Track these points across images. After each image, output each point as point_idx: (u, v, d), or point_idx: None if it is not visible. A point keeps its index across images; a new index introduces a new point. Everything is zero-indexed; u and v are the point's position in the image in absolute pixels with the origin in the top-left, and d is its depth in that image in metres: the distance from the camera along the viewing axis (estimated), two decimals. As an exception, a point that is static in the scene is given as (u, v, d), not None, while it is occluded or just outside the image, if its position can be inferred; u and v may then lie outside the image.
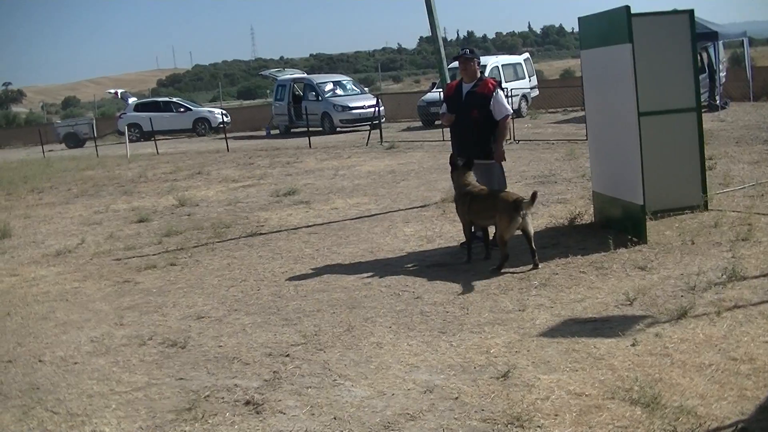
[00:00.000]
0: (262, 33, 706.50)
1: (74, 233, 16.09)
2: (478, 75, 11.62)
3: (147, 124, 43.95)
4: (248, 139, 41.02)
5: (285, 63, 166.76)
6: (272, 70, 55.52)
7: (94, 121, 50.91)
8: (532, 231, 10.30)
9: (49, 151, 43.76)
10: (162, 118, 46.65)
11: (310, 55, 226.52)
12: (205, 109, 51.90)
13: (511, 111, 11.45)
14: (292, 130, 41.89)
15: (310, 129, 34.66)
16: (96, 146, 40.05)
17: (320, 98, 40.85)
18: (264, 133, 43.62)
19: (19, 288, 11.82)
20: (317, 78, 45.33)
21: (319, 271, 11.10)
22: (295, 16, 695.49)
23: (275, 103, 44.06)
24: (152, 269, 12.13)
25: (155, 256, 12.96)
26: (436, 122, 32.60)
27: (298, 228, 14.44)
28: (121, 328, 9.27)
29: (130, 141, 39.52)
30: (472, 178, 10.95)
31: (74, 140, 49.35)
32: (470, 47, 12.16)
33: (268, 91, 78.01)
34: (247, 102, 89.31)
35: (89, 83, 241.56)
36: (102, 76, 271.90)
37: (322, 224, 14.64)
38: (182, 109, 49.44)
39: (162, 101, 52.16)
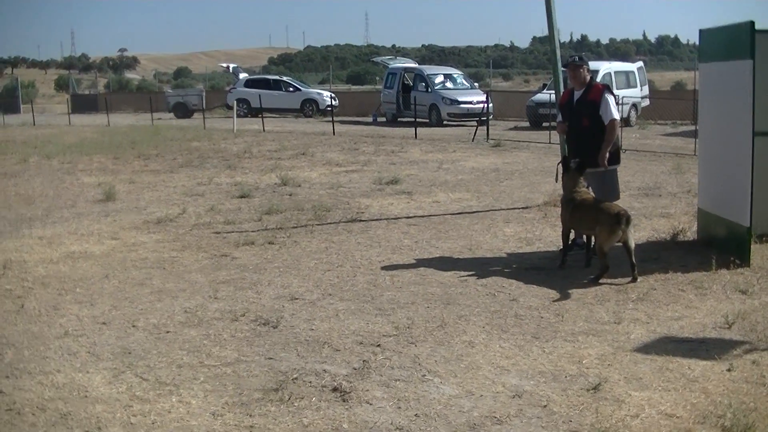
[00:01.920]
0: (376, 20, 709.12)
1: (176, 202, 16.29)
2: (587, 81, 11.49)
3: (255, 101, 44.20)
4: (354, 124, 41.09)
5: (397, 51, 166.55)
6: (384, 57, 55.69)
7: (204, 93, 51.54)
8: (632, 244, 10.13)
9: (158, 119, 44.34)
10: (271, 95, 46.91)
11: (422, 45, 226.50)
12: (314, 91, 52.04)
13: (617, 116, 11.26)
14: (399, 119, 41.80)
15: (417, 120, 34.60)
16: (204, 118, 40.52)
17: (430, 90, 40.65)
18: (371, 119, 43.73)
19: (118, 252, 12.00)
20: (428, 69, 45.10)
21: (416, 264, 11.07)
22: (410, 6, 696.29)
23: (384, 91, 44.03)
24: (250, 246, 12.21)
25: (254, 233, 13.04)
26: (544, 124, 32.36)
27: (399, 218, 14.42)
28: (215, 301, 9.35)
29: (238, 116, 39.88)
30: (582, 184, 10.82)
31: (183, 110, 49.97)
32: (579, 54, 11.99)
33: (377, 78, 78.17)
34: (356, 87, 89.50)
35: (202, 55, 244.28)
36: (215, 49, 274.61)
37: (422, 216, 14.60)
38: (291, 89, 49.64)
39: (272, 79, 52.38)
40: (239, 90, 48.46)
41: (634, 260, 10.06)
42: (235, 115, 38.76)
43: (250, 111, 45.90)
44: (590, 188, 10.93)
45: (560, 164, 11.18)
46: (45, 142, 30.77)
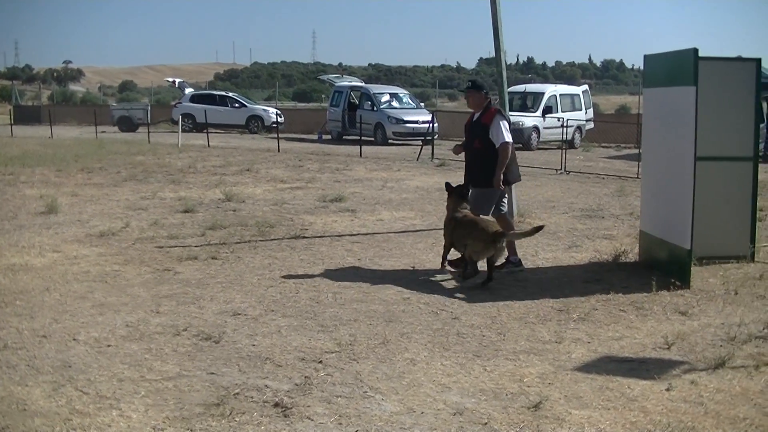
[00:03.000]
0: (324, 38, 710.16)
1: (119, 216, 16.17)
2: (483, 105, 11.88)
3: (201, 116, 44.19)
4: (300, 141, 41.11)
5: (343, 70, 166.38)
6: (331, 75, 55.60)
7: (149, 107, 51.23)
8: (499, 262, 11.10)
9: (102, 132, 44.01)
10: (216, 111, 46.84)
11: (369, 64, 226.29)
12: (259, 107, 51.95)
13: (509, 139, 11.63)
14: (344, 137, 41.86)
15: (363, 138, 34.70)
16: (149, 132, 40.31)
17: (375, 108, 40.80)
18: (316, 137, 43.71)
19: (60, 265, 11.89)
20: (375, 88, 45.22)
21: (359, 281, 11.06)
22: (357, 25, 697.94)
23: (330, 109, 44.05)
24: (193, 260, 12.16)
25: (197, 248, 13.00)
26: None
27: (342, 235, 14.44)
28: (157, 315, 9.29)
29: (183, 131, 39.69)
30: (464, 206, 11.45)
31: (128, 124, 49.69)
32: (473, 79, 12.63)
33: (323, 96, 78.10)
34: (302, 104, 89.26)
35: (148, 69, 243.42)
36: (161, 64, 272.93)
37: (366, 234, 14.64)
38: (237, 105, 49.59)
39: (218, 95, 52.29)
40: (185, 105, 48.32)
41: (492, 272, 10.89)
42: (180, 130, 38.60)
43: (196, 126, 45.81)
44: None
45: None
46: (-14, 153, 30.43)
